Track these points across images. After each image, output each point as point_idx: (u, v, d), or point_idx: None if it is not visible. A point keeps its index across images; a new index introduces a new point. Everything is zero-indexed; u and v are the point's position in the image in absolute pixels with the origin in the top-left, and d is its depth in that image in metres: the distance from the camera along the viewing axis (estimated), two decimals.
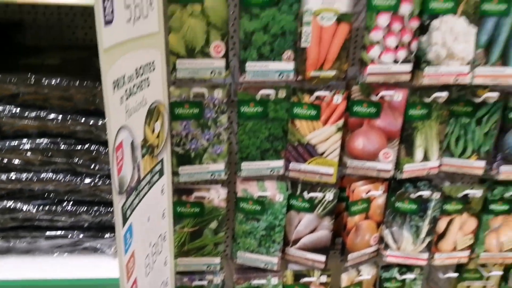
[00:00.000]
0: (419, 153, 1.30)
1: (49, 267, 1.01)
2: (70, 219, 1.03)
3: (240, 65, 1.13)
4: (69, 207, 1.02)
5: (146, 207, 0.98)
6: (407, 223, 1.37)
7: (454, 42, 1.15)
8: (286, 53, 1.13)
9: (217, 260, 1.33)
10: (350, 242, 1.38)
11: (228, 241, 1.55)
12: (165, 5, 1.00)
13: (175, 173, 1.19)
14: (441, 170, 1.36)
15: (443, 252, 1.43)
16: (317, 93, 1.20)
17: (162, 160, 1.05)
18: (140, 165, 0.94)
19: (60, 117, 0.96)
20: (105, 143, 0.97)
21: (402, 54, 1.15)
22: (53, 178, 0.99)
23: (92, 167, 0.99)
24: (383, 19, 1.11)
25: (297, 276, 1.41)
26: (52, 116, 0.96)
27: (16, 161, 0.97)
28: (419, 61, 1.17)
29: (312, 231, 1.36)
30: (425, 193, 1.32)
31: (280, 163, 1.29)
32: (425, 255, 1.41)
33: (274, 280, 1.39)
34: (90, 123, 0.96)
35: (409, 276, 1.45)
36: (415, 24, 1.14)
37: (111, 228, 1.03)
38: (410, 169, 1.31)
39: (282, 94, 1.20)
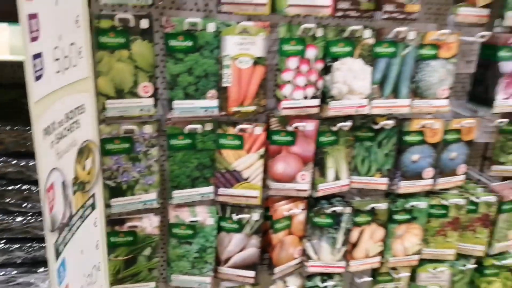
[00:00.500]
0: (331, 174, 1.49)
1: None
2: (3, 257, 1.05)
3: (168, 103, 1.24)
4: (1, 245, 1.05)
5: (79, 240, 1.04)
6: (325, 235, 1.54)
7: (353, 80, 1.35)
8: (210, 92, 1.26)
9: (152, 284, 1.40)
10: (276, 257, 1.52)
11: (164, 265, 1.62)
12: (94, 50, 1.08)
13: (107, 205, 1.26)
14: (351, 187, 1.55)
15: (358, 259, 1.62)
16: (240, 126, 1.34)
17: (94, 195, 1.12)
18: (72, 202, 1.00)
19: None
20: (36, 182, 1.02)
21: (310, 91, 1.33)
22: None
23: (24, 205, 1.04)
24: (292, 62, 1.29)
25: None
26: None
27: None
28: (325, 96, 1.36)
29: (241, 250, 1.48)
30: (338, 208, 1.51)
31: (209, 189, 1.40)
32: (342, 263, 1.60)
33: None
34: (21, 164, 1.01)
35: (330, 283, 1.62)
36: (320, 65, 1.32)
37: (44, 263, 1.07)
38: (324, 188, 1.49)
39: (209, 127, 1.32)
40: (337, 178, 1.50)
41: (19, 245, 1.05)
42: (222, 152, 1.37)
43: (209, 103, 1.27)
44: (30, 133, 0.99)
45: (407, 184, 1.56)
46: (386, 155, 1.52)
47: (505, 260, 1.78)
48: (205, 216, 1.39)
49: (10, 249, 1.05)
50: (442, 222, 1.65)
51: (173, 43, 1.18)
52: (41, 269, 1.09)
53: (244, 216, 1.44)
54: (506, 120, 1.60)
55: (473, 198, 1.66)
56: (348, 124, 1.43)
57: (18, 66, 1.34)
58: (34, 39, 0.78)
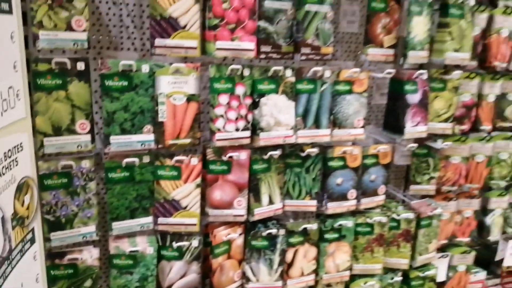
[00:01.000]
0: (265, 199, 1.61)
1: None
2: None
3: (105, 138, 1.32)
4: None
5: (19, 274, 1.07)
6: (262, 257, 1.65)
7: (279, 114, 1.51)
8: (146, 127, 1.35)
9: None
10: (217, 281, 1.60)
11: None
12: (32, 91, 1.15)
13: (47, 239, 1.29)
14: (285, 210, 1.68)
15: (294, 278, 1.73)
16: (176, 157, 1.44)
17: (33, 229, 1.15)
18: (11, 237, 1.03)
19: None
20: None
21: (241, 124, 1.47)
22: None
23: None
24: (223, 99, 1.42)
25: None
26: None
27: None
28: (255, 128, 1.50)
29: (182, 276, 1.55)
30: (273, 230, 1.63)
31: (149, 219, 1.47)
32: (280, 283, 1.70)
33: None
34: None
35: None
36: (248, 101, 1.47)
37: None
38: (260, 212, 1.61)
39: (146, 159, 1.41)
40: (271, 202, 1.62)
41: None
42: (160, 183, 1.45)
43: (145, 137, 1.36)
44: None
45: (334, 205, 1.72)
46: (314, 179, 1.68)
47: (429, 271, 1.97)
48: (145, 246, 1.45)
49: None
50: (368, 239, 1.82)
51: (109, 83, 1.27)
52: None
53: (184, 243, 1.51)
54: (416, 144, 1.83)
55: (394, 216, 1.84)
56: (278, 152, 1.58)
57: None
58: None
